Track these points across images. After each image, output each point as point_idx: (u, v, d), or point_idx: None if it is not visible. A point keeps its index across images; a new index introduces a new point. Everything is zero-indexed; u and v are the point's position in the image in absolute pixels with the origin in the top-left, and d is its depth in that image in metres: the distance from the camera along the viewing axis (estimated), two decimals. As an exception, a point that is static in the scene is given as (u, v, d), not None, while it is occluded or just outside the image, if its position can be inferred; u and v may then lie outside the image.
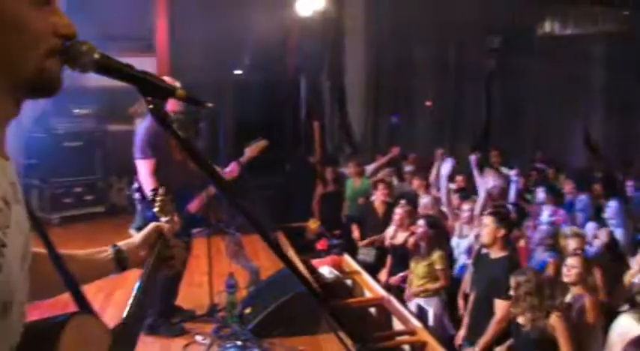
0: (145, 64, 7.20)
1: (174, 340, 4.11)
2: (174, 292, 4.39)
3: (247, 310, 4.36)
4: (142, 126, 4.22)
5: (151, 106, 1.14)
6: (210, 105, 3.92)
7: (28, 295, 1.17)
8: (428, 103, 11.17)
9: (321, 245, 6.75)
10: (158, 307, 4.19)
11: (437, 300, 5.35)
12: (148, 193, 3.92)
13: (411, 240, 5.66)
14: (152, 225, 1.62)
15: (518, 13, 9.99)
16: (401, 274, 5.90)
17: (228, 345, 4.01)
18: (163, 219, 1.72)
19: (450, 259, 5.71)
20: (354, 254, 6.73)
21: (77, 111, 7.99)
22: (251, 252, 6.09)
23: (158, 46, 9.01)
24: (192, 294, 4.76)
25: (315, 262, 6.15)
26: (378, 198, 7.07)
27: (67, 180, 7.43)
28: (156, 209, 1.78)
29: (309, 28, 8.53)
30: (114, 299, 4.59)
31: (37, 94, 1.07)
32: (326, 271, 5.85)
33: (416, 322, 4.69)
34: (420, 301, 5.44)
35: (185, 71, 9.32)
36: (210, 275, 4.54)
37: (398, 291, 5.72)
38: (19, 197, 1.10)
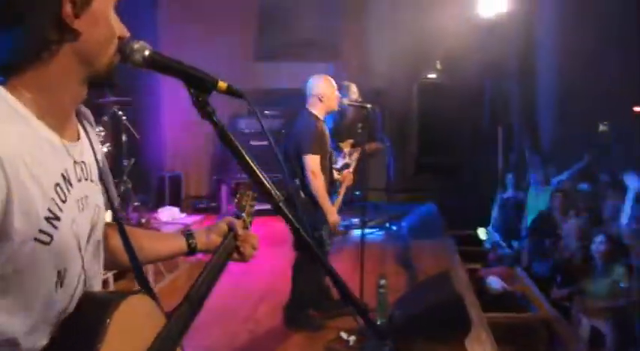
0: (333, 69, 7.45)
1: (318, 333, 4.18)
2: (320, 287, 4.45)
3: (396, 314, 4.30)
4: (305, 123, 4.30)
5: (193, 98, 1.26)
6: (368, 106, 3.95)
7: (101, 266, 1.30)
8: (637, 109, 10.09)
9: (493, 255, 6.46)
10: (301, 300, 4.28)
11: (615, 322, 4.82)
12: (314, 189, 4.05)
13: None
14: (225, 217, 1.69)
15: None
16: (566, 290, 5.44)
17: (372, 345, 3.98)
18: (242, 214, 1.74)
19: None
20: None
21: (267, 112, 8.47)
22: (416, 255, 6.03)
23: (346, 51, 9.27)
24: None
25: (483, 272, 5.90)
26: (557, 209, 6.57)
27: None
28: (235, 202, 1.81)
29: (497, 31, 8.18)
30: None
31: (99, 84, 1.21)
32: (494, 282, 5.59)
33: (583, 344, 4.28)
34: (595, 322, 4.94)
35: (373, 76, 9.50)
36: (361, 274, 4.54)
37: (565, 309, 5.26)
38: (93, 177, 1.24)
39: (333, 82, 4.31)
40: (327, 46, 9.12)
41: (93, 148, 1.28)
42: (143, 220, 5.93)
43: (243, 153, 1.30)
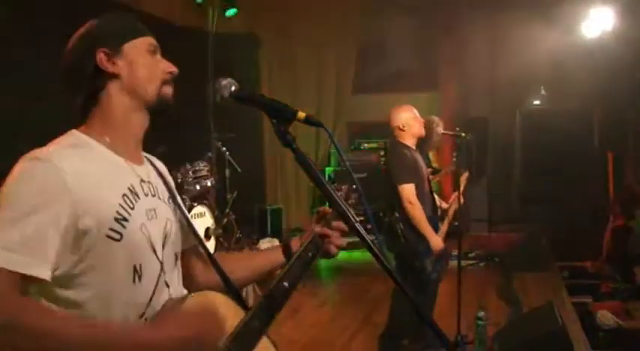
0: (430, 100, 7.44)
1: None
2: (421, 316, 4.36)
3: (495, 347, 4.15)
4: (395, 154, 4.31)
5: (275, 127, 1.39)
6: (463, 134, 3.96)
7: (180, 279, 1.54)
8: None
9: (605, 287, 6.08)
10: (397, 329, 4.23)
11: None
12: (413, 218, 4.04)
13: None
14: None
15: None
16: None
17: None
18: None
19: None
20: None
21: (365, 145, 8.57)
22: (519, 288, 5.82)
23: (444, 81, 9.22)
24: (440, 323, 4.69)
25: (593, 306, 5.57)
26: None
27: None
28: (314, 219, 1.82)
29: (605, 51, 7.82)
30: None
31: (158, 113, 1.49)
32: (605, 316, 5.26)
33: None
34: None
35: (474, 104, 9.36)
36: (459, 305, 4.43)
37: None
38: (161, 196, 1.51)
39: (413, 109, 4.28)
40: (425, 76, 9.10)
41: (165, 181, 1.58)
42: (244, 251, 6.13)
43: (321, 178, 1.38)
